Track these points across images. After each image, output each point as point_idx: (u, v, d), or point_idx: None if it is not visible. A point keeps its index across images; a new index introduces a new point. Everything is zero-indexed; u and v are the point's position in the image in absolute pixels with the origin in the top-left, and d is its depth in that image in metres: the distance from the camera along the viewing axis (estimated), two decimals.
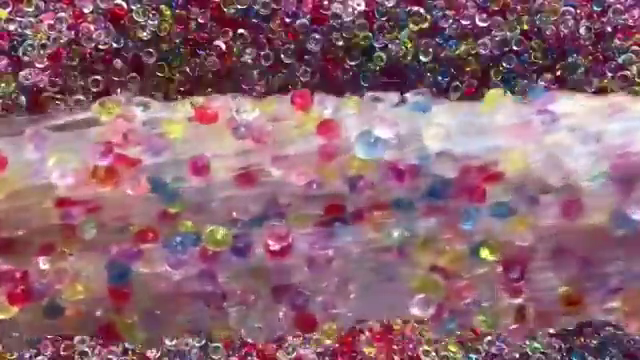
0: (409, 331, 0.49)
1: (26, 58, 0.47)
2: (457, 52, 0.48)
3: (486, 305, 0.33)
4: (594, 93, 0.50)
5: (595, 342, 0.49)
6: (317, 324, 0.33)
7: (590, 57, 0.49)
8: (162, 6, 0.47)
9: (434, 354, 0.49)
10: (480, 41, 0.48)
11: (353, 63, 0.48)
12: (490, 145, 0.33)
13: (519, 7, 0.48)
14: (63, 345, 0.47)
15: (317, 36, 0.47)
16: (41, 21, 0.47)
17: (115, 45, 0.47)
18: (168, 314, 0.32)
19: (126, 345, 0.47)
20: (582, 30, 0.48)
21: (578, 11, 0.48)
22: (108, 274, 0.31)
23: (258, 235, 0.31)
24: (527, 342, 0.48)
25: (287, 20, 0.47)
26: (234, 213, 0.32)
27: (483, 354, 0.49)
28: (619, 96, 0.37)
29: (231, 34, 0.48)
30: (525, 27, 0.48)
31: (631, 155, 0.31)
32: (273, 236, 0.31)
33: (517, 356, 0.48)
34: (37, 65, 0.47)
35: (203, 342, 0.48)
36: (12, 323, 0.32)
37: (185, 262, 0.31)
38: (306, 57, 0.48)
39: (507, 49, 0.48)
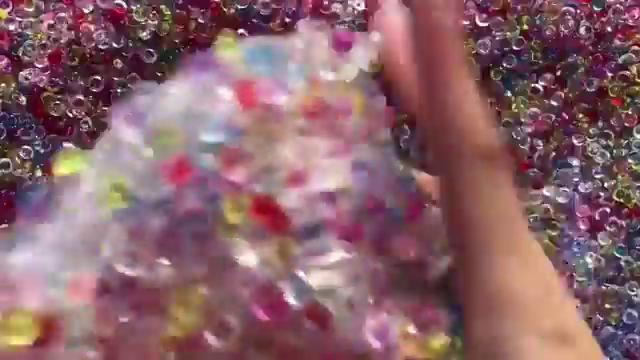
0: None
1: (26, 58, 0.47)
2: None
3: None
4: (594, 93, 0.50)
5: None
6: None
7: (590, 57, 0.49)
8: (162, 6, 0.47)
9: None
10: (480, 41, 0.48)
11: None
12: None
13: (519, 7, 0.48)
14: None
15: None
16: (41, 21, 0.47)
17: (115, 45, 0.47)
18: None
19: None
20: (582, 30, 0.48)
21: (578, 11, 0.48)
22: None
23: None
24: None
25: (287, 20, 0.47)
26: None
27: None
28: None
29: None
30: (525, 27, 0.48)
31: None
32: None
33: None
34: (37, 65, 0.47)
35: None
36: None
37: None
38: None
39: (507, 49, 0.48)
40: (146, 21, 0.47)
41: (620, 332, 0.49)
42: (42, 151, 0.48)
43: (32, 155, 0.48)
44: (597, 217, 0.50)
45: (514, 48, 0.48)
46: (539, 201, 0.50)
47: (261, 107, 0.22)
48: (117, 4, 0.46)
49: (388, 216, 0.21)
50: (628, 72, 0.49)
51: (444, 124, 0.18)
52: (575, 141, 0.50)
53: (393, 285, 0.21)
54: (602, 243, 0.50)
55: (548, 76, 0.49)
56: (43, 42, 0.46)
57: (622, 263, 0.49)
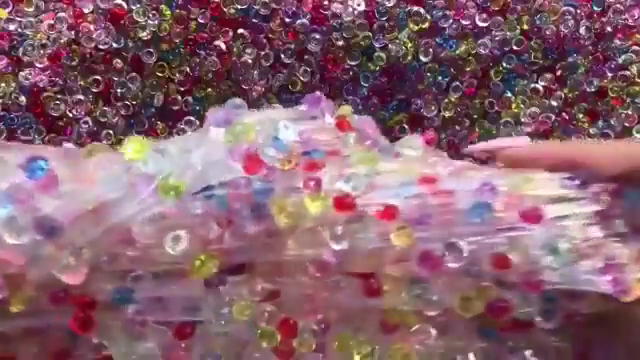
0: None
1: (26, 58, 0.47)
2: (457, 52, 0.48)
3: None
4: (594, 93, 0.50)
5: None
6: None
7: (590, 57, 0.49)
8: (162, 6, 0.47)
9: None
10: (480, 41, 0.48)
11: (353, 63, 0.48)
12: None
13: (519, 7, 0.48)
14: None
15: (317, 36, 0.47)
16: (41, 21, 0.47)
17: (115, 45, 0.47)
18: None
19: None
20: (582, 30, 0.48)
21: (578, 11, 0.48)
22: None
23: None
24: None
25: (287, 20, 0.47)
26: None
27: None
28: None
29: (231, 34, 0.48)
30: (525, 27, 0.48)
31: None
32: None
33: None
34: (37, 65, 0.47)
35: None
36: None
37: None
38: (306, 57, 0.48)
39: (507, 49, 0.48)
40: (146, 21, 0.47)
41: None
42: None
43: None
44: None
45: (514, 48, 0.48)
46: None
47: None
48: (117, 4, 0.46)
49: None
50: (628, 72, 0.49)
51: None
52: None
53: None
54: None
55: (548, 76, 0.49)
56: (43, 42, 0.46)
57: None
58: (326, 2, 0.47)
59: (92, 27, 0.47)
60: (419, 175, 0.29)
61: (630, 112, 0.49)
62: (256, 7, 0.47)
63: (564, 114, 0.50)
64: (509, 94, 0.50)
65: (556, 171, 0.29)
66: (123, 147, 0.29)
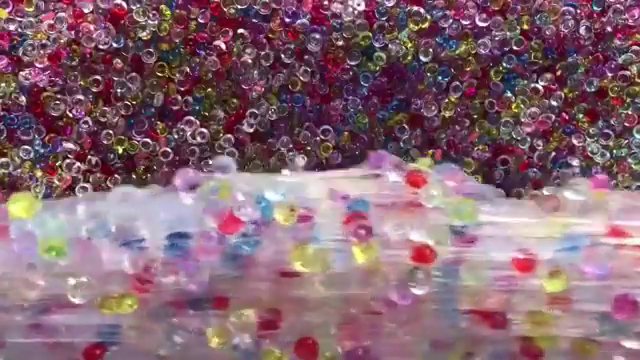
0: None
1: (26, 58, 0.47)
2: (457, 52, 0.48)
3: None
4: (594, 93, 0.50)
5: None
6: None
7: (590, 57, 0.49)
8: (162, 6, 0.47)
9: None
10: (480, 41, 0.48)
11: (353, 63, 0.48)
12: None
13: (519, 7, 0.48)
14: None
15: (317, 36, 0.47)
16: (41, 21, 0.47)
17: (115, 45, 0.47)
18: None
19: None
20: (582, 30, 0.48)
21: (578, 11, 0.48)
22: None
23: None
24: None
25: (287, 20, 0.47)
26: None
27: None
28: None
29: (231, 34, 0.48)
30: (525, 27, 0.48)
31: None
32: None
33: None
34: (37, 65, 0.47)
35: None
36: None
37: None
38: (306, 57, 0.48)
39: (507, 49, 0.48)
40: (146, 21, 0.47)
41: None
42: (42, 151, 0.48)
43: (32, 155, 0.48)
44: None
45: (514, 48, 0.48)
46: None
47: None
48: (117, 4, 0.46)
49: None
50: (628, 72, 0.49)
51: None
52: (575, 141, 0.50)
53: None
54: None
55: (548, 76, 0.49)
56: (43, 42, 0.46)
57: None
58: (326, 2, 0.47)
59: (92, 27, 0.47)
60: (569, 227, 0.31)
61: (630, 112, 0.49)
62: (256, 7, 0.47)
63: (564, 114, 0.50)
64: (509, 94, 0.50)
65: None
66: (10, 203, 0.30)
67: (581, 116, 0.50)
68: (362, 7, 0.47)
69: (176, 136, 0.49)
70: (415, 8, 0.47)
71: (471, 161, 0.50)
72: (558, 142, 0.50)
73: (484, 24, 0.48)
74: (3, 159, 0.48)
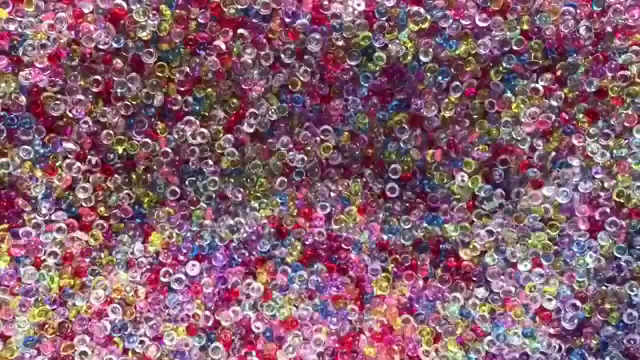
0: (409, 331, 0.49)
1: (26, 58, 0.47)
2: (457, 52, 0.48)
3: None
4: (594, 93, 0.50)
5: (595, 342, 0.49)
6: None
7: (590, 57, 0.49)
8: (162, 6, 0.47)
9: (434, 354, 0.49)
10: (480, 41, 0.48)
11: (353, 63, 0.48)
12: None
13: (519, 7, 0.48)
14: (63, 345, 0.47)
15: (317, 36, 0.47)
16: (41, 21, 0.47)
17: (115, 45, 0.47)
18: None
19: (126, 345, 0.47)
20: (582, 30, 0.48)
21: (578, 11, 0.48)
22: None
23: None
24: (527, 342, 0.48)
25: (287, 20, 0.47)
26: None
27: (483, 354, 0.49)
28: None
29: (231, 34, 0.48)
30: (525, 27, 0.48)
31: None
32: None
33: (517, 356, 0.48)
34: (37, 65, 0.47)
35: (203, 342, 0.48)
36: None
37: None
38: (306, 57, 0.48)
39: (507, 49, 0.48)
40: (146, 21, 0.47)
41: (620, 332, 0.49)
42: (42, 151, 0.48)
43: (32, 155, 0.48)
44: (597, 217, 0.50)
45: (514, 48, 0.48)
46: (539, 201, 0.50)
47: None
48: (117, 4, 0.46)
49: None
50: (628, 72, 0.49)
51: None
52: (575, 141, 0.50)
53: None
54: (602, 243, 0.50)
55: (548, 76, 0.49)
56: (43, 42, 0.46)
57: (622, 263, 0.49)
58: (326, 2, 0.47)
59: (92, 27, 0.47)
60: None
61: (630, 112, 0.49)
62: (256, 7, 0.47)
63: (564, 114, 0.50)
64: (509, 94, 0.50)
65: None
66: None
67: (581, 116, 0.50)
68: (362, 7, 0.47)
69: (176, 136, 0.49)
70: (415, 8, 0.47)
71: (471, 161, 0.50)
72: (558, 142, 0.50)
73: (484, 24, 0.48)
74: (3, 159, 0.48)
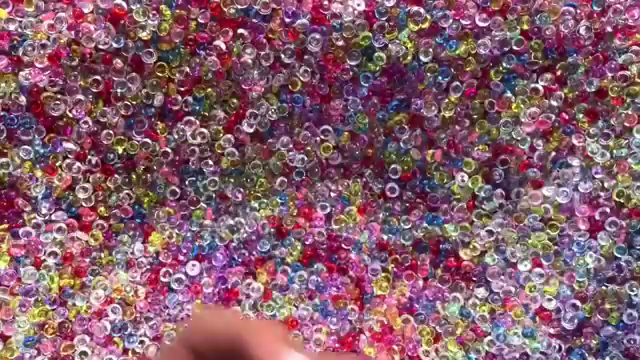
0: (409, 331, 0.49)
1: (26, 58, 0.47)
2: (457, 52, 0.48)
3: None
4: (594, 93, 0.50)
5: (595, 342, 0.49)
6: None
7: (590, 57, 0.49)
8: (162, 6, 0.47)
9: (434, 354, 0.49)
10: (480, 41, 0.48)
11: (353, 63, 0.48)
12: None
13: (519, 7, 0.48)
14: (63, 345, 0.47)
15: (317, 36, 0.47)
16: (41, 21, 0.47)
17: (115, 45, 0.47)
18: None
19: (126, 345, 0.47)
20: (582, 30, 0.48)
21: (578, 11, 0.48)
22: None
23: None
24: (527, 342, 0.48)
25: (287, 20, 0.47)
26: None
27: (483, 354, 0.49)
28: None
29: (231, 34, 0.48)
30: (525, 27, 0.48)
31: None
32: None
33: (517, 356, 0.48)
34: (37, 65, 0.47)
35: None
36: None
37: None
38: (306, 57, 0.48)
39: (507, 49, 0.48)
40: (146, 21, 0.47)
41: (620, 332, 0.49)
42: (42, 151, 0.48)
43: (32, 155, 0.48)
44: (597, 217, 0.50)
45: (514, 48, 0.48)
46: (539, 201, 0.50)
47: None
48: (117, 4, 0.46)
49: None
50: (628, 72, 0.49)
51: None
52: (575, 141, 0.50)
53: None
54: (602, 243, 0.50)
55: (548, 76, 0.49)
56: (43, 42, 0.46)
57: (622, 263, 0.49)
58: (326, 2, 0.47)
59: (92, 27, 0.47)
60: None
61: (630, 112, 0.49)
62: (256, 7, 0.47)
63: (564, 114, 0.50)
64: (509, 94, 0.50)
65: None
66: None
67: (581, 116, 0.50)
68: (362, 7, 0.47)
69: (176, 136, 0.49)
70: (415, 8, 0.47)
71: (471, 161, 0.50)
72: (558, 142, 0.50)
73: (484, 24, 0.48)
74: (3, 159, 0.48)
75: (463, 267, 0.51)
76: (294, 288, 0.50)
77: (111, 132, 0.49)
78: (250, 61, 0.48)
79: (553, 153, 0.50)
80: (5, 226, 0.49)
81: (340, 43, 0.48)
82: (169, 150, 0.50)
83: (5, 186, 0.49)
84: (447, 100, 0.49)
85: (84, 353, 0.46)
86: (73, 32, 0.47)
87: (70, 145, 0.49)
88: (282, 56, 0.48)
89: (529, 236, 0.50)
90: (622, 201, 0.50)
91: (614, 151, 0.50)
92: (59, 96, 0.48)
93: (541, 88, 0.49)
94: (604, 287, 0.49)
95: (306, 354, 0.24)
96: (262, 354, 0.24)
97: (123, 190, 0.50)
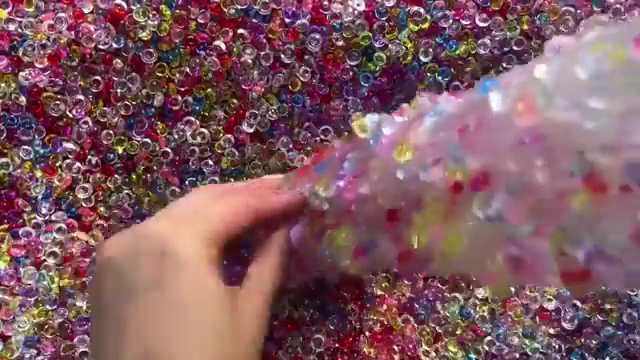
0: (409, 331, 0.49)
1: (26, 58, 0.47)
2: (457, 52, 0.48)
3: None
4: None
5: (595, 342, 0.49)
6: None
7: None
8: (162, 6, 0.47)
9: (434, 354, 0.49)
10: (480, 41, 0.48)
11: (353, 63, 0.48)
12: None
13: (519, 7, 0.48)
14: (63, 345, 0.47)
15: (317, 36, 0.47)
16: (41, 21, 0.47)
17: (115, 45, 0.47)
18: None
19: None
20: (582, 30, 0.48)
21: (578, 11, 0.48)
22: None
23: None
24: (527, 342, 0.48)
25: (287, 20, 0.47)
26: None
27: (483, 354, 0.49)
28: None
29: (231, 34, 0.48)
30: (525, 27, 0.48)
31: None
32: None
33: (517, 356, 0.48)
34: (37, 65, 0.47)
35: None
36: None
37: None
38: (306, 57, 0.48)
39: (507, 49, 0.48)
40: (146, 21, 0.47)
41: (620, 332, 0.49)
42: (42, 151, 0.48)
43: (32, 155, 0.48)
44: None
45: (514, 48, 0.48)
46: None
47: None
48: (117, 4, 0.46)
49: None
50: None
51: None
52: None
53: None
54: None
55: None
56: (43, 42, 0.46)
57: None
58: (326, 2, 0.47)
59: (92, 27, 0.47)
60: None
61: None
62: (256, 7, 0.47)
63: None
64: None
65: None
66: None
67: None
68: (362, 7, 0.47)
69: (176, 136, 0.49)
70: (415, 8, 0.47)
71: None
72: None
73: (484, 24, 0.48)
74: (3, 159, 0.48)
75: None
76: (294, 288, 0.50)
77: (111, 132, 0.49)
78: (250, 61, 0.48)
79: None
80: (5, 226, 0.49)
81: (340, 43, 0.48)
82: (169, 150, 0.50)
83: (5, 186, 0.49)
84: None
85: (84, 353, 0.46)
86: (73, 32, 0.47)
87: (70, 145, 0.49)
88: (282, 56, 0.48)
89: None
90: None
91: None
92: (59, 96, 0.48)
93: None
94: (604, 287, 0.49)
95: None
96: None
97: (123, 190, 0.50)
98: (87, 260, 0.49)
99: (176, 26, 0.47)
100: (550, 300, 0.49)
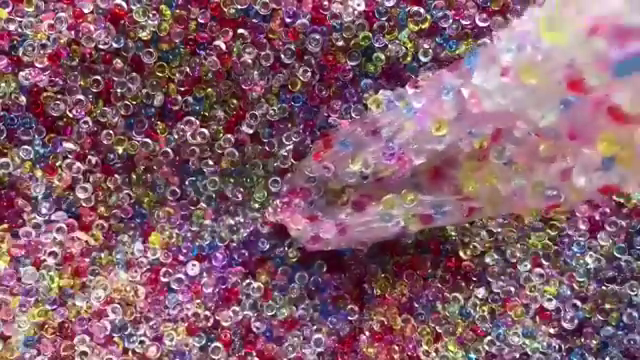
0: (409, 331, 0.49)
1: (26, 58, 0.47)
2: (457, 52, 0.48)
3: None
4: None
5: (595, 342, 0.49)
6: None
7: None
8: (162, 6, 0.47)
9: (434, 354, 0.49)
10: (480, 41, 0.48)
11: (353, 63, 0.48)
12: None
13: (519, 7, 0.48)
14: (63, 345, 0.47)
15: (317, 36, 0.47)
16: (41, 21, 0.47)
17: (115, 45, 0.47)
18: None
19: (126, 345, 0.47)
20: None
21: None
22: None
23: None
24: (527, 342, 0.48)
25: (287, 20, 0.47)
26: None
27: (483, 354, 0.49)
28: None
29: (231, 34, 0.48)
30: None
31: None
32: None
33: (517, 356, 0.48)
34: (37, 65, 0.47)
35: (203, 342, 0.48)
36: None
37: None
38: (306, 57, 0.48)
39: None
40: (146, 21, 0.47)
41: (620, 332, 0.49)
42: (42, 151, 0.48)
43: (32, 155, 0.48)
44: (597, 217, 0.50)
45: None
46: None
47: None
48: (117, 4, 0.46)
49: None
50: None
51: None
52: None
53: None
54: (602, 243, 0.50)
55: None
56: (43, 42, 0.46)
57: (622, 263, 0.49)
58: (326, 2, 0.47)
59: (92, 27, 0.47)
60: None
61: None
62: (256, 7, 0.47)
63: None
64: None
65: None
66: None
67: None
68: (362, 7, 0.47)
69: (176, 136, 0.49)
70: (415, 8, 0.47)
71: None
72: None
73: (484, 24, 0.48)
74: (3, 159, 0.48)
75: (463, 267, 0.51)
76: (294, 288, 0.50)
77: (111, 132, 0.49)
78: (250, 61, 0.48)
79: None
80: (5, 226, 0.49)
81: (340, 43, 0.48)
82: (169, 150, 0.50)
83: (5, 186, 0.49)
84: None
85: (84, 353, 0.46)
86: (73, 32, 0.47)
87: (70, 145, 0.49)
88: (282, 56, 0.48)
89: (529, 236, 0.50)
90: (622, 201, 0.50)
91: None
92: (59, 96, 0.48)
93: None
94: (604, 287, 0.49)
95: None
96: None
97: (123, 190, 0.50)
98: (87, 260, 0.49)
99: (176, 26, 0.47)
100: (550, 300, 0.49)
